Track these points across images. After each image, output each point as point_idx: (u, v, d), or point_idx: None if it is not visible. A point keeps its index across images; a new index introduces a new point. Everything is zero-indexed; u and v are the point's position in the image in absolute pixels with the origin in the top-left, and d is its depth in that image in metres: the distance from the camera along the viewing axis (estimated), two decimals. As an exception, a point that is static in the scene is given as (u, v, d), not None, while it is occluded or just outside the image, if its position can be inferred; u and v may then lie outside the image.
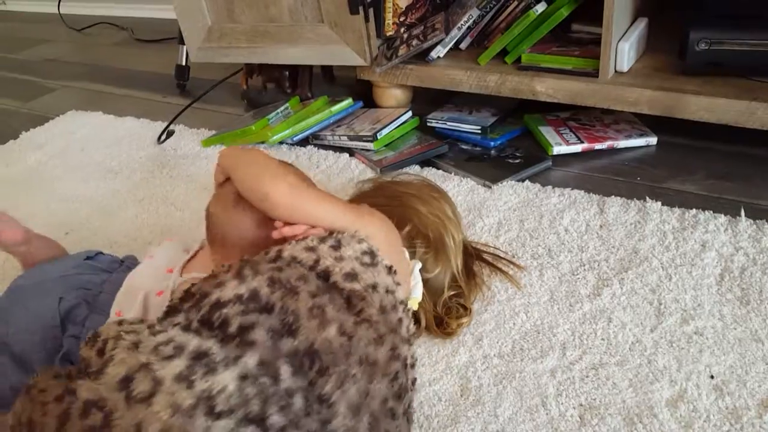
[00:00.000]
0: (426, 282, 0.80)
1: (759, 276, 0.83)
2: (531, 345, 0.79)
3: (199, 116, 1.57)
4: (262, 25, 1.42)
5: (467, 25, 1.27)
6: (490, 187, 1.10)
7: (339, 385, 0.55)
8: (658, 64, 1.15)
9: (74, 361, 0.74)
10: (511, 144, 1.24)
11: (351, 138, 1.30)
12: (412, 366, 0.65)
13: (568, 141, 1.18)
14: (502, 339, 0.81)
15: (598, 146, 1.17)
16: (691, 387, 0.71)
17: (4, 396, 0.71)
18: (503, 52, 1.24)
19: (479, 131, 1.25)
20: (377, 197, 0.89)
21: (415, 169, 1.20)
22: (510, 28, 1.21)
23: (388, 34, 1.35)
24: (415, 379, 0.66)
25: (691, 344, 0.76)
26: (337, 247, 0.65)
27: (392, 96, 1.40)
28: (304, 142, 1.37)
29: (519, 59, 1.22)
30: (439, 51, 1.28)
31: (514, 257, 0.94)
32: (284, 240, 0.69)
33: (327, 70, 1.60)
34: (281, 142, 1.37)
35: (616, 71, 1.14)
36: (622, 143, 1.17)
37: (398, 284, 0.66)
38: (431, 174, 1.17)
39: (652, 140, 1.18)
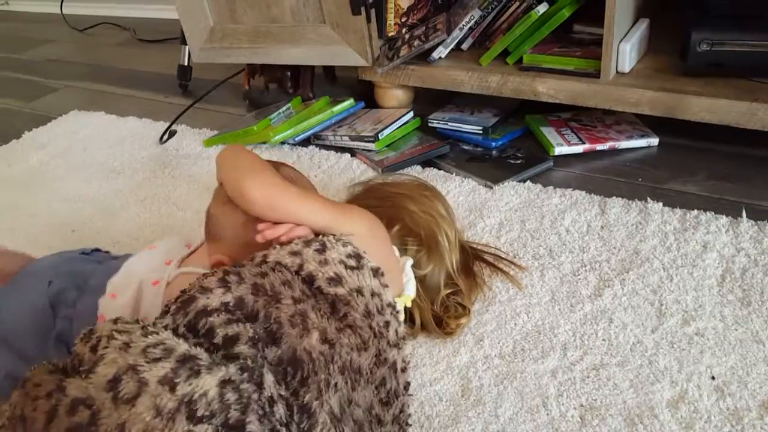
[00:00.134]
0: (422, 280, 0.80)
1: (760, 277, 0.83)
2: (532, 345, 0.79)
3: (201, 116, 1.58)
4: (264, 26, 1.42)
5: (469, 25, 1.27)
6: (492, 188, 1.10)
7: (319, 395, 0.55)
8: (659, 65, 1.15)
9: (68, 342, 0.74)
10: (513, 144, 1.24)
11: (352, 138, 1.30)
12: (404, 370, 0.65)
13: (569, 141, 1.18)
14: (503, 339, 0.81)
15: (599, 147, 1.17)
16: (692, 388, 0.71)
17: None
18: (505, 53, 1.24)
19: (481, 132, 1.25)
20: (368, 199, 0.89)
21: (416, 169, 1.20)
22: (512, 29, 1.21)
23: (390, 34, 1.35)
24: (408, 383, 0.66)
25: (692, 345, 0.76)
26: (321, 250, 0.65)
27: (394, 96, 1.40)
28: (305, 143, 1.37)
29: (520, 60, 1.22)
30: (441, 51, 1.28)
31: (515, 258, 0.94)
32: (271, 242, 0.69)
33: (329, 70, 1.60)
34: (283, 143, 1.37)
35: (617, 72, 1.14)
36: (624, 144, 1.17)
37: (385, 286, 0.65)
38: (432, 174, 1.17)
39: (654, 141, 1.18)
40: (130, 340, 0.53)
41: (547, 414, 0.71)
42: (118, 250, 0.97)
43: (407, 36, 1.33)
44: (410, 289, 0.76)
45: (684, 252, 0.90)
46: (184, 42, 1.65)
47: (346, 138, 1.31)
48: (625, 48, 1.11)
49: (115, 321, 0.57)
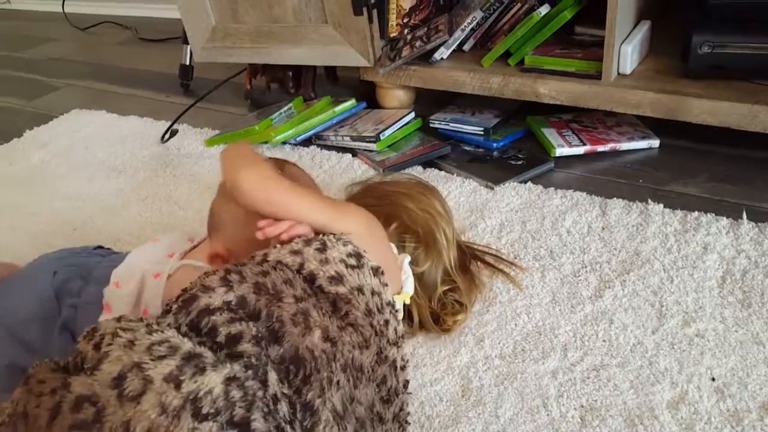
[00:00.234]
0: (419, 277, 0.81)
1: (761, 279, 0.84)
2: (532, 346, 0.80)
3: (203, 116, 1.58)
4: (266, 26, 1.42)
5: (470, 26, 1.28)
6: (493, 189, 1.11)
7: (322, 393, 0.55)
8: (660, 66, 1.15)
9: (73, 331, 0.75)
10: (514, 145, 1.24)
11: (354, 138, 1.30)
12: (403, 368, 0.65)
13: (570, 143, 1.19)
14: (504, 340, 0.81)
15: (600, 148, 1.17)
16: (692, 389, 0.71)
17: (0, 374, 0.72)
18: (506, 54, 1.24)
19: (482, 132, 1.25)
20: (366, 198, 0.89)
21: (417, 170, 1.20)
22: (513, 30, 1.21)
23: (392, 35, 1.36)
24: (407, 381, 0.66)
25: (692, 346, 0.76)
26: (322, 249, 0.65)
27: (395, 97, 1.40)
28: (307, 143, 1.37)
29: (522, 61, 1.22)
30: (443, 52, 1.28)
31: (516, 258, 0.94)
32: (270, 241, 0.69)
33: (330, 70, 1.60)
34: (284, 143, 1.37)
35: (618, 74, 1.14)
36: (625, 145, 1.18)
37: (385, 285, 0.66)
38: (433, 175, 1.18)
39: (655, 143, 1.18)
40: (134, 337, 0.53)
41: (548, 414, 0.71)
42: (119, 249, 0.97)
43: (409, 37, 1.33)
44: (409, 287, 0.76)
45: (685, 253, 0.90)
46: (185, 41, 1.65)
47: (348, 138, 1.32)
48: (627, 50, 1.11)
49: (119, 319, 0.57)
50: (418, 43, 1.28)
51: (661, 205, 0.99)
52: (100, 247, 0.91)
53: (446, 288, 0.84)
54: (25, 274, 0.82)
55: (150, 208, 1.21)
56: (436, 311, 0.82)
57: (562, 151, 1.18)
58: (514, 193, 1.08)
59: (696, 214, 0.96)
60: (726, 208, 0.99)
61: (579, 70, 1.16)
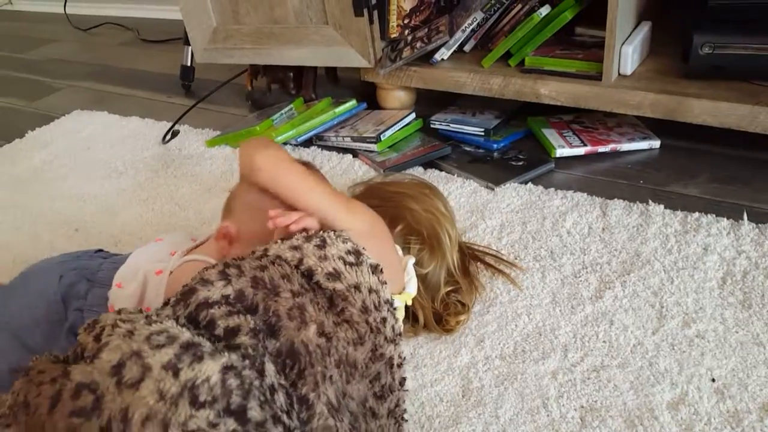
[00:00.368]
0: (423, 278, 0.81)
1: (761, 280, 0.84)
2: (533, 347, 0.80)
3: (204, 117, 1.58)
4: (267, 27, 1.42)
5: (471, 27, 1.28)
6: (493, 189, 1.11)
7: (315, 387, 0.56)
8: (661, 67, 1.16)
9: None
10: (514, 146, 1.24)
11: (355, 139, 1.31)
12: (399, 365, 0.65)
13: (571, 144, 1.19)
14: (504, 340, 0.81)
15: (601, 149, 1.17)
16: (692, 390, 0.71)
17: (3, 378, 0.72)
18: (507, 55, 1.24)
19: (482, 133, 1.25)
20: (370, 199, 0.89)
21: (418, 170, 1.21)
22: (514, 31, 1.21)
23: (393, 36, 1.36)
24: (404, 379, 0.66)
25: (692, 347, 0.76)
26: (321, 246, 0.65)
27: (396, 98, 1.40)
28: (307, 143, 1.38)
29: (522, 62, 1.22)
30: (443, 53, 1.28)
31: (516, 259, 0.94)
32: (276, 231, 0.70)
33: (331, 71, 1.60)
34: (285, 143, 1.37)
35: (619, 74, 1.14)
36: (625, 146, 1.18)
37: (384, 283, 0.66)
38: (434, 176, 1.18)
39: (655, 143, 1.18)
40: (134, 328, 0.54)
41: (548, 415, 0.71)
42: (120, 249, 0.97)
43: (410, 38, 1.33)
44: (412, 288, 0.76)
45: (685, 254, 0.90)
46: (187, 42, 1.66)
47: (348, 139, 1.32)
48: (627, 51, 1.11)
49: (119, 312, 0.58)
50: (418, 44, 1.28)
51: (662, 206, 0.99)
52: (100, 250, 0.91)
53: (449, 289, 0.84)
54: (27, 279, 0.82)
55: (151, 209, 1.22)
56: (439, 312, 0.83)
57: (562, 151, 1.18)
58: (514, 194, 1.08)
59: (696, 214, 0.96)
60: (726, 209, 0.99)
61: (579, 71, 1.16)
